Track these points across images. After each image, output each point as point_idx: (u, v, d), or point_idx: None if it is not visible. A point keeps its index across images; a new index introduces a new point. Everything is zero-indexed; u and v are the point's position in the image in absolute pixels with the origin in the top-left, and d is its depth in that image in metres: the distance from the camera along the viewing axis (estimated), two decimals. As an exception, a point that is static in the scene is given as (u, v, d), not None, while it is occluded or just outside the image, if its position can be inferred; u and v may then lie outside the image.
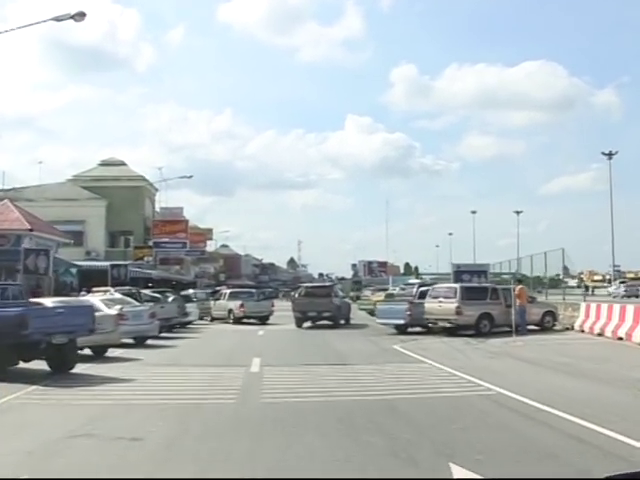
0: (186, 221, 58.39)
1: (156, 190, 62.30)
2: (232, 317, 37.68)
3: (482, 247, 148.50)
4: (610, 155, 61.37)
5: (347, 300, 42.60)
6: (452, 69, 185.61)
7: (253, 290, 42.30)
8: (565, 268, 40.06)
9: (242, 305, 37.17)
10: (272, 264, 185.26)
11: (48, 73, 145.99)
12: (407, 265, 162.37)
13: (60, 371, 15.51)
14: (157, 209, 62.21)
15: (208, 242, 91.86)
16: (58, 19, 22.46)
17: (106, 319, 19.39)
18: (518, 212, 79.12)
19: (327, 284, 46.61)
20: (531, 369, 16.09)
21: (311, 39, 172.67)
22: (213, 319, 39.85)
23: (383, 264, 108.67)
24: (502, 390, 12.28)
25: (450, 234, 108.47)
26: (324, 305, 33.11)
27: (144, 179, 57.20)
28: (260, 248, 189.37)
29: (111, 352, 20.00)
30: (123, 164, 59.70)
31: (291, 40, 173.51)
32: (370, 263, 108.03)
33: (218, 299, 39.97)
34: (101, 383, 13.89)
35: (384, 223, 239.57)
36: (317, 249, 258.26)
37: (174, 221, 57.44)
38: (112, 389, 13.07)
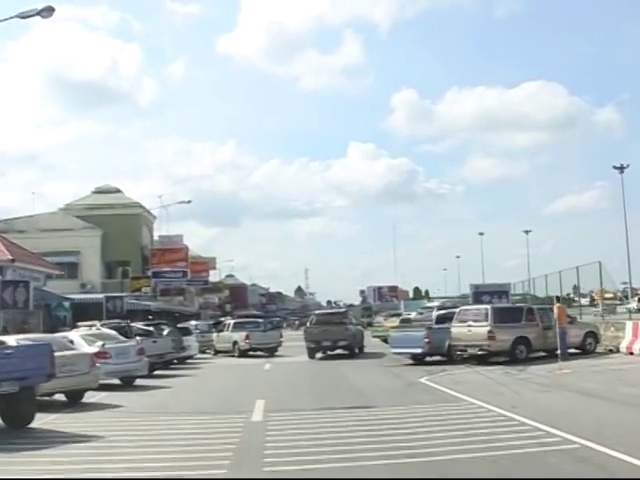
0: (186, 248, 55.26)
1: (154, 218, 59.42)
2: (237, 350, 34.61)
3: (489, 269, 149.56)
4: (622, 169, 58.24)
5: (360, 327, 39.41)
6: (453, 92, 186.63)
7: (259, 320, 39.09)
8: (575, 287, 39.17)
9: (247, 337, 34.07)
10: (279, 293, 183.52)
11: (51, 109, 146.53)
12: (416, 289, 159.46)
13: (15, 426, 12.44)
14: (156, 237, 59.19)
15: (212, 272, 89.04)
16: (23, 15, 19.59)
17: (80, 359, 16.37)
18: (527, 231, 76.42)
19: (341, 310, 43.63)
20: (603, 406, 12.89)
21: (311, 67, 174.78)
22: (217, 352, 36.74)
23: (393, 289, 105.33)
24: (585, 441, 9.12)
25: (458, 257, 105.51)
26: (339, 333, 30.45)
27: (140, 206, 54.28)
28: (267, 277, 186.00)
29: (91, 396, 17.02)
30: (118, 191, 56.87)
31: (291, 69, 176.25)
32: (380, 288, 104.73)
33: (222, 330, 36.85)
34: (56, 444, 10.76)
35: (390, 249, 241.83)
36: (324, 277, 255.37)
37: (173, 249, 54.37)
38: (65, 455, 9.91)
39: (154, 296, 57.62)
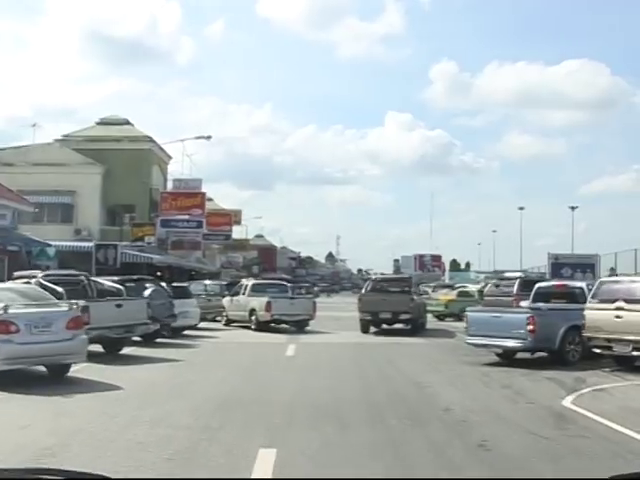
0: (202, 194, 46.25)
1: (169, 158, 50.71)
2: (255, 321, 26.01)
3: (517, 246, 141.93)
4: None
5: (422, 298, 30.97)
6: (492, 66, 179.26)
7: (286, 283, 30.38)
8: (612, 269, 35.31)
9: (269, 305, 25.34)
10: (310, 258, 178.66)
11: (89, 65, 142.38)
12: (454, 262, 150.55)
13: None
14: (170, 183, 50.63)
15: (238, 228, 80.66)
16: None
17: None
18: (573, 207, 67.80)
19: (405, 276, 34.47)
20: None
21: (351, 35, 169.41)
22: (229, 322, 28.25)
23: (437, 258, 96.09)
24: None
25: (494, 231, 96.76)
26: (402, 304, 24.68)
27: (152, 140, 45.43)
28: (298, 243, 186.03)
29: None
30: (127, 123, 48.11)
31: (331, 35, 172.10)
32: (422, 256, 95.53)
33: (237, 294, 28.17)
34: None
35: (422, 220, 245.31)
36: (355, 245, 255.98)
37: (187, 194, 45.59)
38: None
39: (164, 249, 49.22)
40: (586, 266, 36.53)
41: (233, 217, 59.71)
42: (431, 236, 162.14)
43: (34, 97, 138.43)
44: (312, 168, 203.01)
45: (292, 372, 14.19)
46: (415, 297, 26.04)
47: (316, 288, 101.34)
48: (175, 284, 24.48)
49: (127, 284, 19.71)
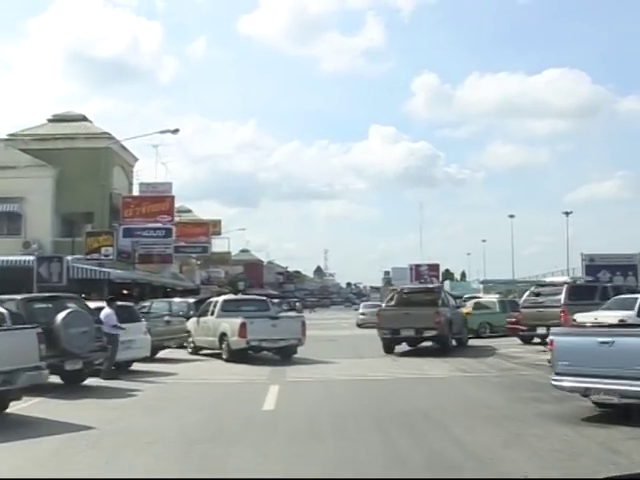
0: (170, 198, 39.78)
1: (135, 159, 44.53)
2: (226, 349, 19.77)
3: (507, 256, 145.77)
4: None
5: (461, 310, 25.71)
6: (474, 78, 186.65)
7: (267, 299, 24.08)
8: None
9: (244, 327, 19.09)
10: (298, 272, 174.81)
11: (72, 86, 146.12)
12: (447, 272, 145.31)
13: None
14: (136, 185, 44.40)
15: (219, 242, 74.52)
16: None
17: None
18: (567, 213, 63.21)
19: (434, 286, 29.50)
20: None
21: (332, 49, 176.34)
22: (196, 349, 22.09)
23: (434, 267, 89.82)
24: None
25: (484, 241, 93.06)
26: (426, 319, 20.91)
27: (111, 137, 39.26)
28: (285, 259, 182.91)
29: None
30: (84, 119, 41.91)
31: (312, 50, 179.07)
32: (418, 266, 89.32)
33: (205, 313, 21.89)
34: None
35: (409, 232, 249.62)
36: (343, 259, 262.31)
37: (153, 198, 39.30)
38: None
39: (130, 263, 42.99)
40: (627, 268, 30.85)
41: (211, 227, 53.24)
42: (421, 247, 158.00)
43: (17, 119, 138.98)
44: (297, 183, 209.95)
45: (268, 453, 8.02)
46: (443, 310, 21.47)
47: (298, 303, 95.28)
48: (120, 303, 18.23)
49: (36, 305, 13.69)
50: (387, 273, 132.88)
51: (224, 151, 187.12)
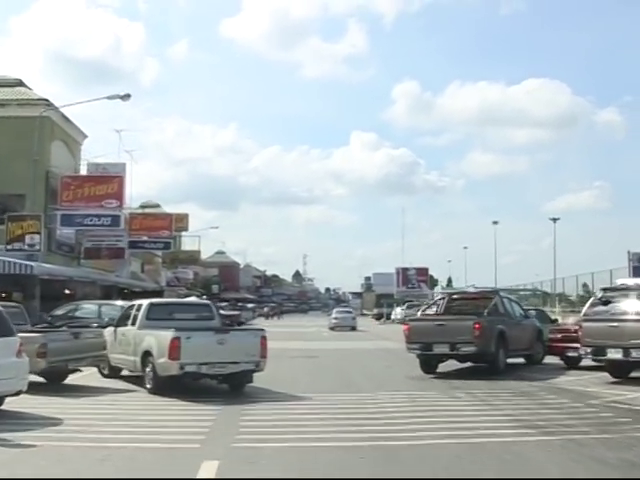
0: (119, 179, 32.83)
1: (84, 136, 37.82)
2: (151, 375, 13.22)
3: (485, 264, 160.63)
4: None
5: (535, 321, 19.72)
6: (454, 86, 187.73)
7: (210, 304, 16.83)
8: (585, 285, 34.70)
9: (175, 344, 12.50)
10: (276, 276, 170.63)
11: (53, 86, 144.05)
12: (431, 278, 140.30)
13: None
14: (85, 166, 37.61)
15: (190, 239, 67.97)
16: None
17: None
18: (555, 219, 59.87)
19: (489, 290, 22.40)
20: None
21: (314, 55, 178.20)
22: (113, 371, 15.54)
23: (423, 271, 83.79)
24: None
25: (465, 248, 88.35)
26: (463, 331, 16.43)
27: (49, 104, 32.49)
28: (264, 263, 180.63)
29: None
30: (19, 84, 35.14)
31: (294, 56, 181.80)
32: (405, 270, 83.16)
33: (124, 322, 15.10)
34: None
35: (389, 239, 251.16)
36: (322, 264, 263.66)
37: (98, 178, 32.56)
38: None
39: (75, 257, 36.39)
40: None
41: (175, 221, 46.50)
42: (403, 252, 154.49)
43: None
44: (277, 188, 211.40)
45: None
46: (491, 319, 16.86)
47: (266, 308, 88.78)
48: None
49: None
50: (368, 279, 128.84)
51: (204, 154, 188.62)
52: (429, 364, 17.18)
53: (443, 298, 19.85)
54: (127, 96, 30.04)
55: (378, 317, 75.63)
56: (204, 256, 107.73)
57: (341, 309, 55.94)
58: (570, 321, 20.69)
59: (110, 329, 15.18)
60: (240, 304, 71.90)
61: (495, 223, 73.92)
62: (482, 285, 59.53)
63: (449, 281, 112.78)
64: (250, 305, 76.56)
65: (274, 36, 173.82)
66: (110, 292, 37.70)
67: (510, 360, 17.45)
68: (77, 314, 22.22)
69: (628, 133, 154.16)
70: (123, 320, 14.92)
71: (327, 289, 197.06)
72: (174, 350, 12.39)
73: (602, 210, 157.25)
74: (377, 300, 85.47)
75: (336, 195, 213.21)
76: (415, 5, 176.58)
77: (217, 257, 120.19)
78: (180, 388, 12.86)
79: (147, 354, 13.18)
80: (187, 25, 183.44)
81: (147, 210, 53.63)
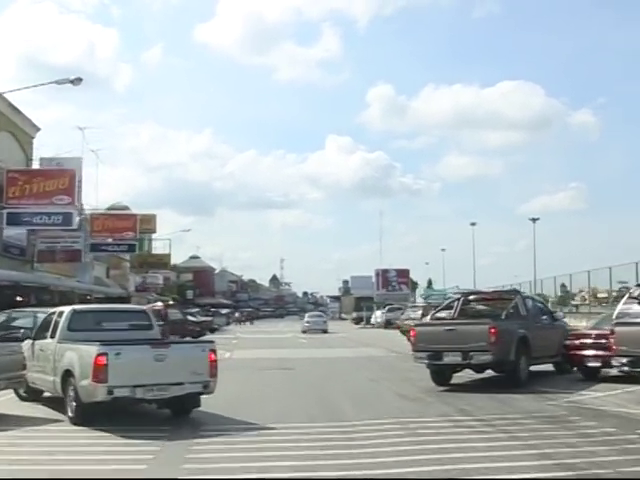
0: (71, 172, 29.56)
1: (36, 129, 34.63)
2: (72, 399, 10.19)
3: (462, 266, 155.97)
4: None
5: (563, 325, 17.76)
6: (429, 89, 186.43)
7: (146, 311, 13.55)
8: (563, 286, 35.05)
9: (101, 361, 9.56)
10: (253, 281, 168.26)
11: (26, 92, 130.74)
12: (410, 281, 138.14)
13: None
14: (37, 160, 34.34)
15: (160, 243, 64.80)
16: None
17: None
18: (534, 219, 58.11)
19: (509, 290, 22.01)
20: None
21: (289, 59, 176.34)
22: (31, 393, 12.45)
23: (404, 273, 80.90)
24: None
25: (443, 250, 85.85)
26: (477, 337, 13.88)
27: (-5, 93, 29.24)
28: (241, 268, 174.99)
29: None
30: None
31: (269, 60, 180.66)
32: (385, 272, 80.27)
33: (42, 335, 11.97)
34: None
35: (366, 242, 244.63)
36: (299, 268, 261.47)
37: (48, 173, 29.43)
38: None
39: (29, 261, 33.23)
40: None
41: (139, 221, 43.27)
42: (381, 255, 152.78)
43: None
44: (253, 193, 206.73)
45: None
46: (511, 324, 14.69)
47: (238, 313, 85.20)
48: None
49: None
50: (346, 282, 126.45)
51: (180, 160, 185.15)
52: (441, 375, 15.01)
53: (458, 299, 17.12)
54: (78, 80, 26.94)
55: (357, 321, 73.12)
56: (178, 261, 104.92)
57: (313, 314, 60.39)
58: (583, 325, 18.06)
59: (27, 343, 12.13)
60: (213, 309, 68.62)
61: (473, 224, 71.85)
62: (464, 287, 58.06)
63: (429, 283, 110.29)
64: (224, 310, 73.29)
65: (248, 41, 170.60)
66: (70, 299, 34.61)
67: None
68: (14, 324, 19.21)
69: (602, 134, 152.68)
70: (42, 331, 11.87)
71: (305, 293, 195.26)
72: (99, 370, 9.44)
73: (578, 211, 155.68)
74: (356, 303, 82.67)
75: (312, 199, 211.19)
76: (389, 9, 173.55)
77: (192, 262, 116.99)
78: (110, 417, 9.94)
79: (68, 374, 10.20)
80: (161, 30, 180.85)
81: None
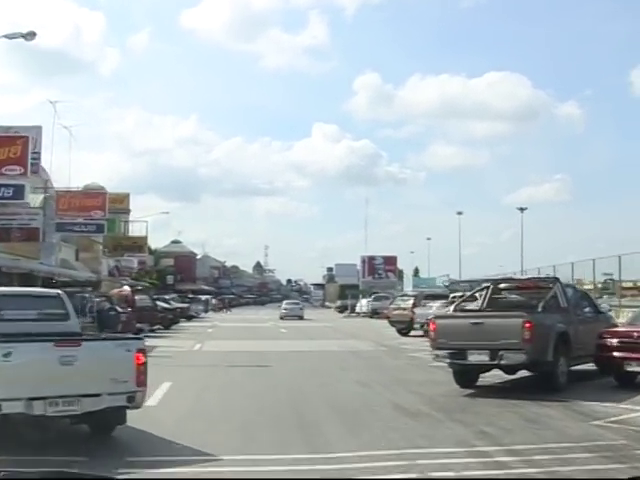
0: (24, 140, 26.26)
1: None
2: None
3: (447, 256, 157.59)
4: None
5: (610, 318, 15.68)
6: (416, 78, 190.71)
7: (60, 294, 9.35)
8: None
9: None
10: (236, 267, 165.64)
11: (12, 76, 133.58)
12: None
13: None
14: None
15: (137, 225, 61.72)
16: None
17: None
18: (522, 209, 56.78)
19: (546, 277, 18.39)
20: None
21: (275, 46, 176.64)
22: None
23: (391, 260, 78.08)
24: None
25: (428, 239, 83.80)
26: (508, 333, 11.58)
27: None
28: (226, 254, 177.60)
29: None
30: None
31: (255, 47, 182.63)
32: (372, 259, 77.45)
33: None
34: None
35: (351, 230, 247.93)
36: (284, 256, 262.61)
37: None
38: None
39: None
40: None
41: (108, 199, 40.15)
42: (366, 243, 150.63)
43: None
44: (239, 179, 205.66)
45: None
46: (550, 317, 12.42)
47: (215, 300, 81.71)
48: None
49: None
50: (330, 269, 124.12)
51: (165, 145, 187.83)
52: (466, 376, 12.84)
53: (486, 287, 14.52)
54: (31, 34, 23.99)
55: (342, 309, 70.65)
56: (159, 245, 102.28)
57: (290, 301, 63.86)
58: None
59: None
60: (191, 296, 65.65)
61: (460, 213, 70.51)
62: (453, 276, 55.89)
63: (416, 271, 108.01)
64: (203, 297, 70.23)
65: (235, 27, 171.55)
66: (33, 283, 31.64)
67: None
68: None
69: (588, 126, 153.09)
70: None
71: (289, 280, 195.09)
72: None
73: (562, 202, 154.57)
74: (341, 291, 79.96)
75: (298, 187, 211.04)
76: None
77: (173, 247, 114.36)
78: (5, 437, 7.12)
79: None
80: (148, 15, 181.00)
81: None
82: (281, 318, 52.35)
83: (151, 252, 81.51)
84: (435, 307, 27.64)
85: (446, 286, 42.65)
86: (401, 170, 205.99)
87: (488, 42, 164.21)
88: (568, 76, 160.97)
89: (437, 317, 13.84)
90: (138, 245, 59.17)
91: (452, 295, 30.33)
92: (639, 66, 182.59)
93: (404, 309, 31.09)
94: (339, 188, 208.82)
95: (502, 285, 14.80)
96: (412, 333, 29.45)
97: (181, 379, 14.18)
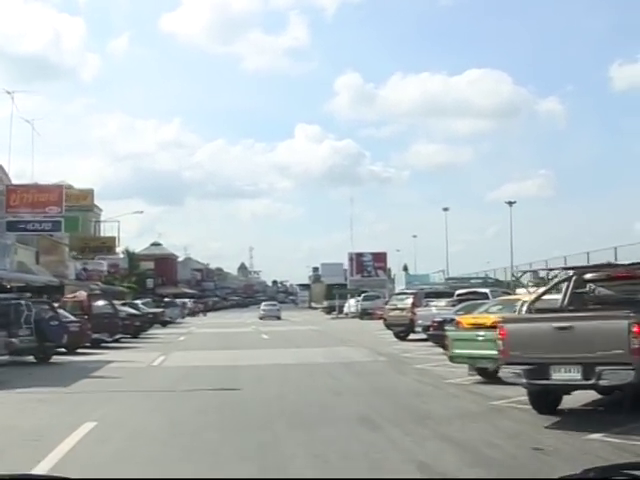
0: None
1: None
2: None
3: (431, 253, 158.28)
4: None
5: None
6: (397, 77, 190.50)
7: None
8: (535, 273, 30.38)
9: None
10: (219, 269, 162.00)
11: None
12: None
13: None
14: None
15: (108, 225, 57.48)
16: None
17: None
18: (511, 203, 54.27)
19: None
20: None
21: (256, 48, 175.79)
22: None
23: (381, 257, 73.97)
24: None
25: (414, 236, 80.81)
26: (608, 341, 8.34)
27: None
28: (211, 257, 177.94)
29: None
30: None
31: (236, 49, 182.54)
32: (360, 256, 73.39)
33: None
34: None
35: (336, 230, 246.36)
36: (269, 257, 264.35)
37: None
38: None
39: None
40: None
41: (64, 192, 35.85)
42: (352, 242, 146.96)
43: None
44: (222, 182, 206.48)
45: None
46: None
47: (190, 304, 76.14)
48: None
49: None
50: (316, 269, 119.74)
51: (148, 149, 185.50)
52: (547, 399, 9.74)
53: (568, 279, 10.84)
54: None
55: (329, 310, 66.79)
56: (139, 248, 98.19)
57: (268, 303, 66.16)
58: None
59: None
60: (167, 300, 61.39)
61: (446, 210, 67.53)
62: (451, 273, 52.31)
63: (405, 268, 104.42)
64: (180, 301, 65.88)
65: (215, 30, 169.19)
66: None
67: None
68: None
69: (569, 122, 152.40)
70: None
71: (274, 282, 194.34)
72: None
73: (546, 198, 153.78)
74: (327, 291, 75.98)
75: (281, 188, 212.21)
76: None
77: (153, 249, 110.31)
78: None
79: None
80: (127, 20, 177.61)
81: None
82: (260, 318, 55.55)
83: (129, 255, 77.61)
84: (439, 306, 23.80)
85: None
86: (385, 169, 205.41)
87: (468, 39, 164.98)
88: (549, 72, 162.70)
89: (507, 320, 10.23)
90: (107, 246, 54.84)
91: (457, 292, 26.54)
92: (618, 61, 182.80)
93: (402, 309, 27.20)
94: (323, 188, 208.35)
95: (588, 275, 10.98)
96: (411, 337, 25.79)
97: (112, 416, 10.16)
